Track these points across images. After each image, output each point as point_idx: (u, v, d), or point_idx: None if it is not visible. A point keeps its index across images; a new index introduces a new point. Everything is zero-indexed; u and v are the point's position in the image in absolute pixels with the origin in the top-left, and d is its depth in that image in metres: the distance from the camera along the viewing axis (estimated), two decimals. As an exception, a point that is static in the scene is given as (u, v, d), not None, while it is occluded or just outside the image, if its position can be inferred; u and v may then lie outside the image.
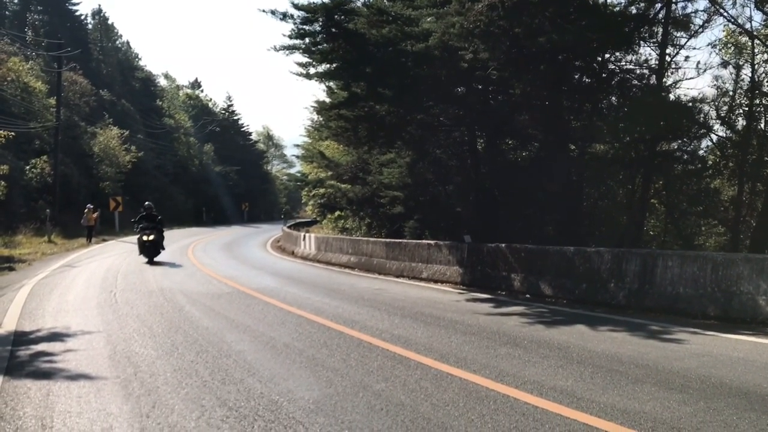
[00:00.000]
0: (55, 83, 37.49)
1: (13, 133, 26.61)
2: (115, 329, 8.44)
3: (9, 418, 4.86)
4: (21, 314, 9.74)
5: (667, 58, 17.63)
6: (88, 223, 29.66)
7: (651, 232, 21.35)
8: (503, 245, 13.40)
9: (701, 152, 19.92)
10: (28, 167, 34.31)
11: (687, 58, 27.72)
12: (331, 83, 24.18)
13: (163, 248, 20.30)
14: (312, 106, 36.74)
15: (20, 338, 7.97)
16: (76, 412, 4.98)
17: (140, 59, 78.39)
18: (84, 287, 13.17)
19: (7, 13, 57.76)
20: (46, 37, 47.20)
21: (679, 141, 18.61)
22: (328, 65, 19.56)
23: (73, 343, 7.61)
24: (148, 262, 18.61)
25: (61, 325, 8.77)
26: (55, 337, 8.01)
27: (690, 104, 17.63)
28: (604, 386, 5.61)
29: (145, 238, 19.08)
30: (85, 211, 29.73)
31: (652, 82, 17.76)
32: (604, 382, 5.74)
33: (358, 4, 18.54)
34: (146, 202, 21.07)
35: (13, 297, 11.60)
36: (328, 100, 24.80)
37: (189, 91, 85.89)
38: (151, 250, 19.12)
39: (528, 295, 12.06)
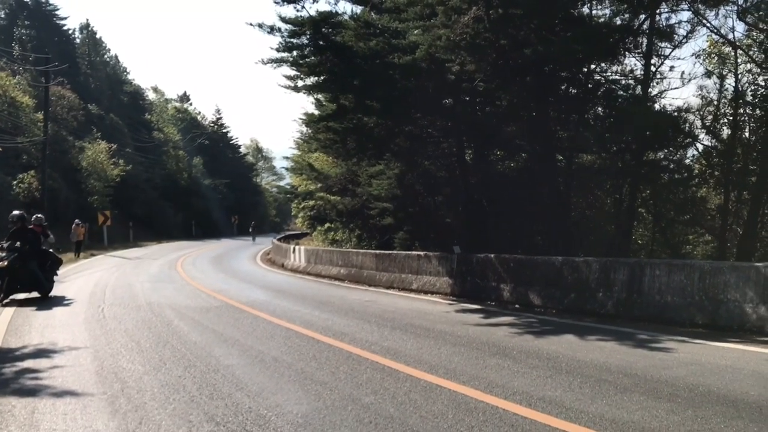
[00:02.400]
0: (43, 98, 37.35)
1: (0, 148, 26.46)
2: (102, 345, 8.37)
3: (-6, 436, 4.82)
4: (7, 330, 9.64)
5: (652, 69, 17.82)
6: (77, 237, 29.50)
7: (639, 241, 21.49)
8: (492, 256, 13.43)
9: (687, 161, 20.17)
10: (15, 182, 34.15)
11: (672, 68, 28.10)
12: (320, 96, 24.27)
13: (50, 280, 14.28)
14: (300, 119, 36.77)
15: (5, 355, 7.89)
16: (61, 429, 4.93)
17: (128, 73, 78.53)
18: (71, 302, 13.06)
19: (-7, 27, 57.59)
20: (33, 51, 47.09)
21: (666, 150, 18.78)
22: (316, 78, 19.64)
23: (60, 359, 7.54)
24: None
25: (48, 341, 8.69)
26: (42, 353, 7.93)
27: (675, 114, 17.84)
28: (592, 396, 5.62)
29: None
30: (73, 226, 29.58)
31: (637, 92, 17.95)
32: (592, 392, 5.75)
33: (346, 17, 18.65)
34: (13, 212, 14.75)
35: None
36: (316, 112, 24.88)
37: (178, 104, 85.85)
38: (12, 283, 13.16)
39: (517, 306, 12.07)
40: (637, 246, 20.95)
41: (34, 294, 13.79)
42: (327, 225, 37.02)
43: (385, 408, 5.32)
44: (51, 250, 14.94)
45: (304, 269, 22.29)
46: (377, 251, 19.37)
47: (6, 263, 12.93)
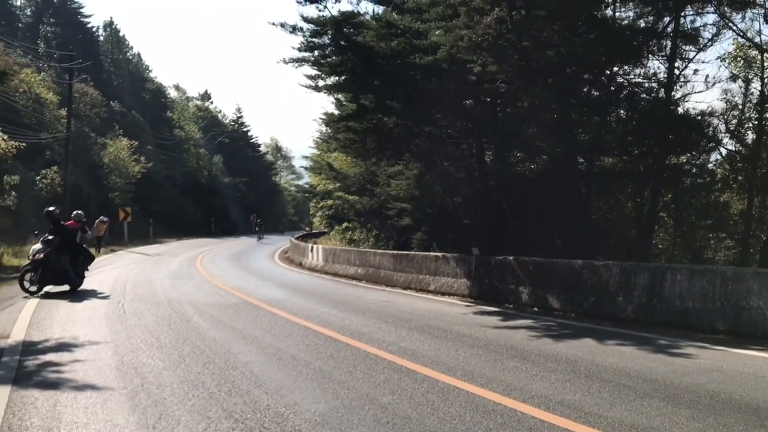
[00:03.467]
0: (66, 94, 37.78)
1: (24, 144, 26.82)
2: (122, 340, 8.45)
3: (16, 428, 4.87)
4: (29, 324, 9.76)
5: (676, 72, 17.67)
6: (98, 233, 29.78)
7: (660, 246, 21.27)
8: (511, 258, 13.37)
9: (710, 166, 19.97)
10: (38, 177, 34.57)
11: (696, 71, 27.72)
12: (340, 95, 24.33)
13: (81, 275, 14.68)
14: (320, 118, 36.96)
15: (28, 348, 7.99)
16: (82, 423, 4.98)
17: (151, 71, 79.19)
18: (92, 297, 13.21)
19: (20, 25, 58.38)
20: (58, 48, 47.67)
21: (688, 154, 18.60)
22: (336, 78, 19.69)
23: (81, 353, 7.63)
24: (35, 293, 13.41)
25: (69, 336, 8.79)
26: (63, 347, 8.03)
27: (699, 118, 17.66)
28: (612, 401, 5.58)
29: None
30: (97, 222, 29.88)
31: (660, 95, 17.78)
32: (612, 397, 5.71)
33: (367, 17, 18.67)
34: (48, 208, 15.08)
35: (22, 307, 11.63)
36: (336, 112, 24.94)
37: (199, 102, 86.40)
38: (45, 275, 13.61)
39: (536, 309, 12.01)
40: (657, 250, 20.75)
41: (65, 287, 14.07)
42: (345, 224, 37.11)
43: (403, 408, 5.32)
44: (84, 245, 15.40)
45: (321, 268, 22.34)
46: (395, 251, 19.36)
47: (42, 256, 13.53)
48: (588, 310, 11.02)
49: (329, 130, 31.13)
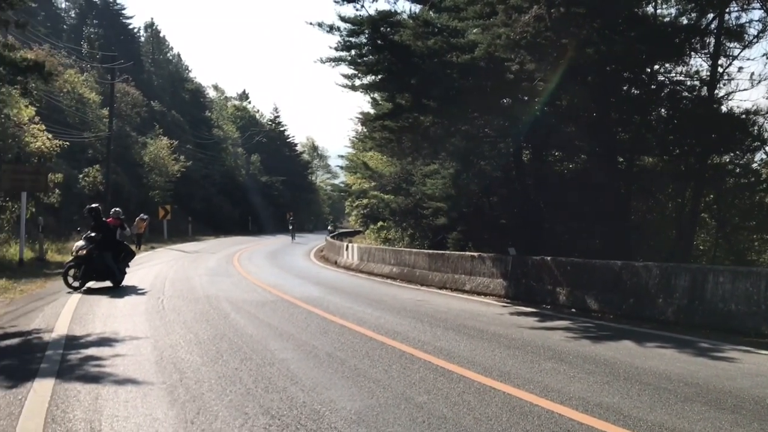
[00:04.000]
0: (109, 94, 38.62)
1: (67, 143, 27.46)
2: (162, 335, 8.59)
3: (60, 420, 4.99)
4: (72, 319, 9.98)
5: (719, 69, 17.22)
6: (138, 230, 30.34)
7: (701, 247, 20.80)
8: (548, 258, 13.23)
9: (755, 165, 19.37)
10: (81, 176, 35.37)
11: (740, 69, 26.94)
12: (376, 94, 24.36)
13: (123, 271, 14.98)
14: (356, 117, 37.05)
15: (71, 342, 8.17)
16: (123, 416, 5.08)
17: (190, 71, 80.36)
18: (132, 293, 13.46)
19: (64, 26, 59.78)
20: (100, 49, 48.67)
21: (732, 154, 18.15)
22: (373, 77, 19.70)
23: (121, 348, 7.78)
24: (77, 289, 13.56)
25: (110, 330, 8.97)
26: (104, 341, 8.20)
27: (743, 116, 17.17)
28: (651, 404, 5.48)
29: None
30: (137, 219, 30.44)
31: (703, 93, 17.40)
32: (651, 400, 5.60)
33: (404, 16, 18.65)
34: (89, 204, 15.41)
35: (65, 302, 11.90)
36: (372, 111, 24.95)
37: (237, 102, 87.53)
38: (88, 271, 13.83)
39: (573, 310, 11.86)
40: (698, 252, 20.29)
41: (107, 283, 14.40)
42: (380, 223, 37.17)
43: (439, 408, 5.29)
44: (125, 242, 15.75)
45: (356, 267, 22.41)
46: (430, 251, 19.31)
47: (85, 251, 13.83)
48: (627, 312, 10.85)
49: (365, 129, 31.14)
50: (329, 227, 57.64)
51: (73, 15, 62.69)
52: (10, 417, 5.07)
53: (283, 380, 6.16)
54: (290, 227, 49.46)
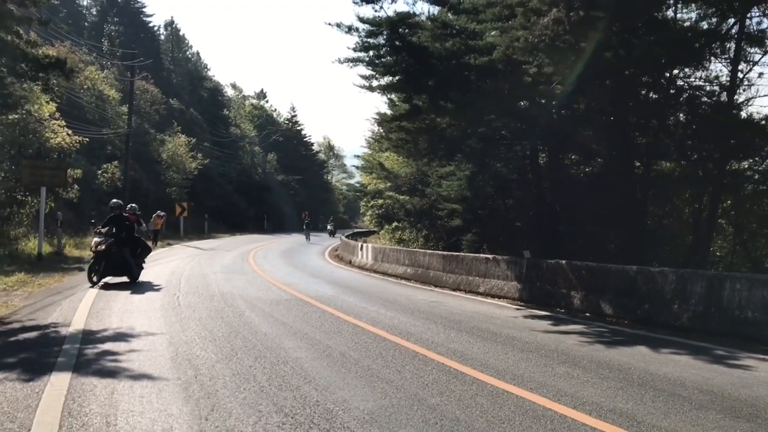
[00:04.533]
0: (128, 91, 38.93)
1: (87, 139, 27.72)
2: (177, 331, 8.67)
3: (76, 414, 5.06)
4: (89, 314, 10.10)
5: (740, 75, 17.07)
6: (155, 227, 30.56)
7: (718, 253, 20.63)
8: (563, 262, 13.18)
9: (774, 172, 19.17)
10: (99, 172, 35.69)
11: (761, 74, 26.70)
12: (393, 95, 24.38)
13: (139, 266, 15.25)
14: (373, 118, 37.15)
15: (88, 337, 8.28)
16: (138, 411, 5.14)
17: (209, 70, 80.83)
18: (148, 289, 13.58)
19: (86, 24, 60.40)
20: (120, 47, 49.13)
21: (751, 160, 17.98)
22: (390, 78, 19.71)
23: (137, 343, 7.86)
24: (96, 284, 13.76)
25: (126, 326, 9.07)
26: (120, 337, 8.29)
27: (763, 122, 17.00)
28: (666, 411, 5.46)
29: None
30: (154, 216, 30.65)
31: (722, 99, 17.23)
32: (666, 407, 5.58)
33: (423, 17, 18.65)
34: (113, 200, 15.78)
35: (82, 297, 12.04)
36: (389, 112, 25.03)
37: (254, 101, 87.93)
38: (107, 266, 14.09)
39: (588, 314, 11.81)
40: (715, 258, 20.12)
41: (124, 278, 14.54)
42: (394, 224, 37.17)
43: (451, 410, 5.31)
44: (142, 238, 15.92)
45: (370, 267, 22.44)
46: (444, 252, 19.29)
47: (104, 247, 13.94)
48: (642, 317, 10.79)
49: (381, 130, 31.25)
50: (329, 227, 57.86)
51: (94, 12, 63.33)
52: (27, 410, 5.15)
53: (297, 379, 6.20)
54: (304, 227, 49.43)
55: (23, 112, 21.97)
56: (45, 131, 23.60)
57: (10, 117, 21.28)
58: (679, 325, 10.06)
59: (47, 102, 24.24)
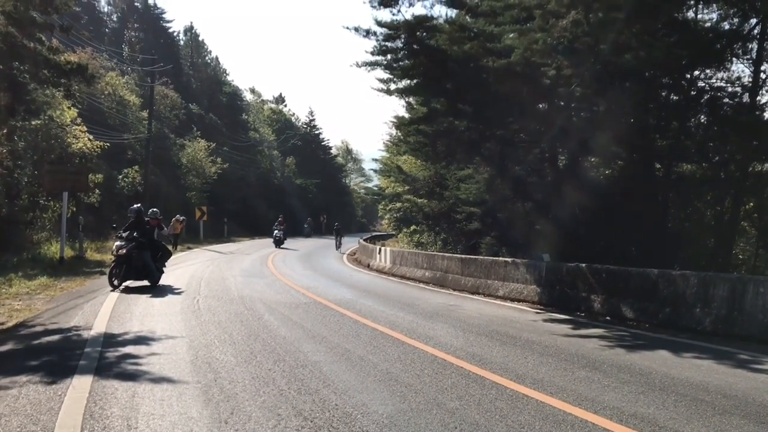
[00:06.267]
0: (148, 97, 39.34)
1: (108, 144, 28.03)
2: (197, 335, 8.72)
3: (98, 416, 5.11)
4: (110, 317, 10.20)
5: (762, 76, 16.87)
6: (175, 231, 30.79)
7: (740, 256, 20.35)
8: (583, 265, 13.08)
9: (798, 174, 18.90)
10: (120, 176, 36.07)
11: (784, 75, 26.35)
12: (411, 99, 24.33)
13: (160, 270, 15.34)
14: (391, 121, 37.20)
15: (109, 340, 8.35)
16: (159, 414, 5.18)
17: (228, 75, 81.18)
18: (169, 293, 13.67)
19: (106, 30, 61.01)
20: (141, 52, 49.59)
21: (774, 162, 17.74)
22: (408, 81, 19.72)
23: (158, 346, 7.92)
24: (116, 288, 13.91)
25: (147, 329, 9.14)
26: (141, 340, 8.36)
27: (787, 124, 16.78)
28: (688, 416, 5.39)
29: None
30: (173, 220, 30.89)
31: (744, 100, 17.02)
32: (688, 412, 5.51)
33: (440, 20, 18.63)
34: (133, 205, 15.78)
35: (104, 300, 12.16)
36: (407, 115, 24.98)
37: (273, 105, 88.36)
38: (128, 270, 14.22)
39: (608, 318, 11.71)
40: (738, 261, 19.86)
41: (144, 282, 14.68)
42: (413, 227, 37.15)
43: (471, 415, 5.29)
44: (162, 242, 16.07)
45: (388, 270, 22.42)
46: (463, 255, 19.23)
47: (125, 251, 14.12)
48: (663, 321, 10.68)
49: (399, 133, 31.20)
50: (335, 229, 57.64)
51: (114, 19, 63.94)
52: (50, 412, 5.21)
53: (316, 382, 6.21)
54: (310, 230, 50.82)
55: (45, 117, 22.29)
56: (67, 136, 23.92)
57: (33, 123, 21.60)
58: (702, 329, 9.94)
59: (69, 108, 24.56)
